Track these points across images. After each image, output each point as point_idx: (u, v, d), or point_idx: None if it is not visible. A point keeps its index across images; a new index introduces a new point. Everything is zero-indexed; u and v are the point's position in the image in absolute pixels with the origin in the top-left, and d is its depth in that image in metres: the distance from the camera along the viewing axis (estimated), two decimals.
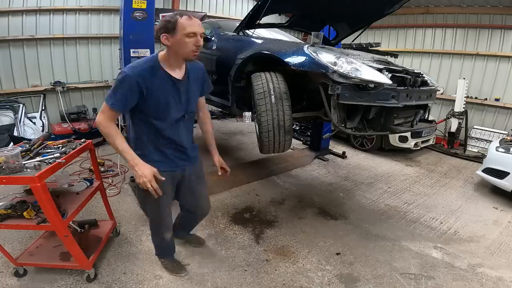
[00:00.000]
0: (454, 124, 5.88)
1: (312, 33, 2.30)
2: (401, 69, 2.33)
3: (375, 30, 7.41)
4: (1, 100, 4.73)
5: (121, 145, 1.56)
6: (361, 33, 3.41)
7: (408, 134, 5.12)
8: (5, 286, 2.02)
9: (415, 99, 2.23)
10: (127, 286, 2.09)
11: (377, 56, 2.66)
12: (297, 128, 6.37)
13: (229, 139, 5.94)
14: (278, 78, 2.17)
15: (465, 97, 5.74)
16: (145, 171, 1.56)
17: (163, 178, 1.64)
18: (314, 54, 2.02)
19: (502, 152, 3.76)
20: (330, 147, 5.41)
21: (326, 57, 1.99)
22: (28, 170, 1.73)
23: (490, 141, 5.40)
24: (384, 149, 5.46)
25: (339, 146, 5.72)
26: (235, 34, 3.09)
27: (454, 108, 5.84)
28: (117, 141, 1.56)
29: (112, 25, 5.59)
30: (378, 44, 3.35)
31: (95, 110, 5.54)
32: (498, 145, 3.95)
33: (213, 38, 3.18)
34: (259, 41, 2.69)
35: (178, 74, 1.65)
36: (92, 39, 5.53)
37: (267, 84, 2.12)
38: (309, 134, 5.81)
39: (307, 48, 2.09)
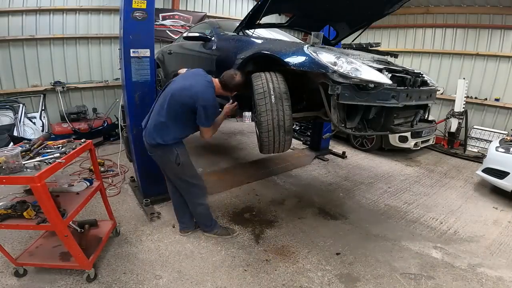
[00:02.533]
0: (454, 124, 5.88)
1: (312, 33, 2.30)
2: (401, 69, 2.33)
3: (375, 30, 7.41)
4: (1, 100, 4.74)
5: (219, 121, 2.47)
6: (361, 33, 3.40)
7: (408, 134, 5.12)
8: (5, 286, 2.02)
9: (415, 99, 2.23)
10: (127, 286, 2.09)
11: (377, 56, 2.66)
12: (297, 128, 6.37)
13: (229, 139, 5.94)
14: (278, 78, 2.16)
15: (465, 97, 5.74)
16: (227, 108, 2.56)
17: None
18: (314, 54, 2.02)
19: (502, 152, 3.76)
20: (330, 147, 5.41)
21: (326, 57, 1.99)
22: (28, 170, 1.73)
23: (490, 141, 5.41)
24: (384, 149, 5.46)
25: (339, 146, 5.72)
26: (235, 34, 3.08)
27: (454, 108, 5.84)
28: (218, 123, 2.44)
29: (112, 25, 5.59)
30: (378, 44, 3.34)
31: (95, 110, 5.54)
32: (498, 145, 3.95)
33: (213, 38, 3.18)
34: (259, 41, 2.69)
35: None
36: (92, 39, 5.53)
37: (267, 84, 2.11)
38: (309, 134, 5.80)
39: (307, 48, 2.09)
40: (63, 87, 5.22)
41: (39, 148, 2.00)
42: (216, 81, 2.32)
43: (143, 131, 2.41)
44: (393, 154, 5.40)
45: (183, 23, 6.38)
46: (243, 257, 2.46)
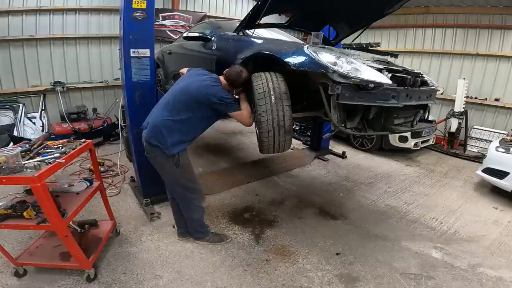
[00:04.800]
0: (454, 124, 5.87)
1: (312, 33, 2.30)
2: (401, 69, 2.33)
3: (375, 30, 7.41)
4: (1, 100, 4.73)
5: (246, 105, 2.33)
6: (361, 33, 3.40)
7: (408, 134, 5.11)
8: (5, 286, 2.02)
9: (415, 99, 2.23)
10: (127, 286, 2.09)
11: (377, 56, 2.66)
12: (297, 128, 6.37)
13: (229, 139, 5.94)
14: (278, 78, 2.16)
15: (465, 97, 5.74)
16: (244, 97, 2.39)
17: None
18: (314, 54, 2.02)
19: (502, 152, 3.76)
20: (330, 147, 5.41)
21: (326, 57, 1.99)
22: (28, 170, 1.73)
23: (490, 141, 5.40)
24: (384, 149, 5.46)
25: (339, 146, 5.72)
26: (235, 34, 3.08)
27: (454, 108, 5.83)
28: (245, 106, 2.32)
29: (112, 25, 5.58)
30: (378, 44, 3.35)
31: (95, 110, 5.54)
32: (498, 145, 3.95)
33: (213, 38, 3.18)
34: (259, 41, 2.69)
35: None
36: (92, 39, 5.53)
37: (267, 84, 2.11)
38: (309, 134, 5.80)
39: (307, 48, 2.09)
40: (63, 87, 5.22)
41: (39, 148, 2.00)
42: (221, 78, 2.32)
43: (143, 131, 2.33)
44: (393, 154, 5.40)
45: (183, 23, 6.38)
46: (243, 257, 2.46)
